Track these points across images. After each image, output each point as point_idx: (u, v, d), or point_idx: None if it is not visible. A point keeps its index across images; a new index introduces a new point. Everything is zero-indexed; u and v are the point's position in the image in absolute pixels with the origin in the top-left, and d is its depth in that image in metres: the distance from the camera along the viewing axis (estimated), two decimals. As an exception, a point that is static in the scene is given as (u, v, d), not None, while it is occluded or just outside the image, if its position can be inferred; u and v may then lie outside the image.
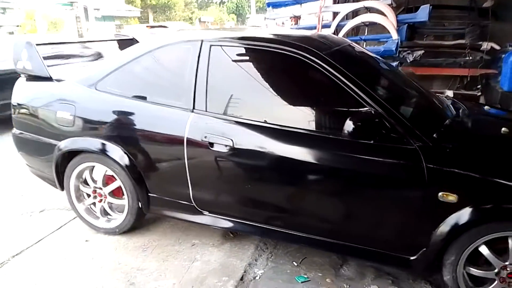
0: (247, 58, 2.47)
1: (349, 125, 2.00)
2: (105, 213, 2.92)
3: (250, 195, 2.42)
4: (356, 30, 5.66)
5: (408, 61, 5.38)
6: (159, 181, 2.63)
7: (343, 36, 5.31)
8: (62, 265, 2.59)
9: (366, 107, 2.09)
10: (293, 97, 2.37)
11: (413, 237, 2.10)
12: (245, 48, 2.46)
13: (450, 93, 5.12)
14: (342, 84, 2.15)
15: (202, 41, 2.48)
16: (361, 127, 1.99)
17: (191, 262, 2.59)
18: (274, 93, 2.39)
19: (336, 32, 5.42)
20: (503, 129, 2.39)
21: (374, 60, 2.88)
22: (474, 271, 2.06)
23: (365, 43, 5.56)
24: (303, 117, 2.29)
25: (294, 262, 2.60)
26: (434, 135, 2.11)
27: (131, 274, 2.49)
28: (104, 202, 2.88)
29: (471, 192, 1.96)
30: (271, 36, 2.49)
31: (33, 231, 3.00)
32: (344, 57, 2.52)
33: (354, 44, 2.92)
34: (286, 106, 2.37)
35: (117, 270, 2.53)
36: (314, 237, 2.32)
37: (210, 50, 2.44)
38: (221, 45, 2.45)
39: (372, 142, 2.05)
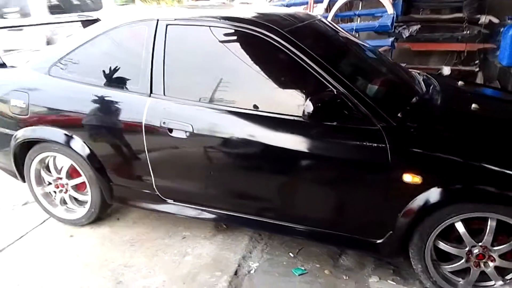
0: (205, 37, 2.29)
1: (309, 107, 1.87)
2: (77, 202, 2.79)
3: (213, 183, 2.32)
4: (350, 5, 5.45)
5: (404, 36, 5.18)
6: (121, 170, 2.50)
7: (336, 11, 5.10)
8: (46, 263, 2.44)
9: (328, 86, 1.98)
10: (253, 78, 2.21)
11: (379, 220, 2.04)
12: (202, 27, 2.29)
13: (447, 69, 4.97)
14: (302, 63, 2.03)
15: (157, 20, 2.32)
16: (322, 108, 1.88)
17: (182, 257, 2.45)
18: (233, 74, 2.26)
19: (329, 7, 5.19)
20: (473, 105, 2.26)
21: (343, 37, 2.74)
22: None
23: (359, 18, 5.35)
24: (263, 99, 2.16)
25: (290, 253, 2.47)
26: (399, 115, 2.01)
27: (118, 271, 2.35)
28: (69, 191, 2.75)
29: (437, 173, 1.87)
30: (230, 14, 2.32)
31: (15, 226, 2.84)
32: (307, 34, 2.39)
33: (324, 20, 2.79)
34: (246, 87, 2.24)
35: (103, 267, 2.39)
36: (278, 222, 2.25)
37: (166, 30, 2.28)
38: (177, 24, 2.30)
39: (335, 123, 1.95)
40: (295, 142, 2.05)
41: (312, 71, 2.01)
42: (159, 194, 2.45)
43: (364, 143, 1.93)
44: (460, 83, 2.92)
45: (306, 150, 2.04)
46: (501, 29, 4.68)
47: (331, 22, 2.99)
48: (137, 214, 2.90)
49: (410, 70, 2.97)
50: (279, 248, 2.52)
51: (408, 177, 1.86)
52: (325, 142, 2.02)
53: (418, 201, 1.88)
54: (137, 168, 2.42)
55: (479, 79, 4.93)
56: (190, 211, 2.44)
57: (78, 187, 2.73)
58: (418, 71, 2.94)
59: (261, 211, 2.30)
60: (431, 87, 2.53)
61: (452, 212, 1.87)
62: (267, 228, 2.36)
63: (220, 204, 2.37)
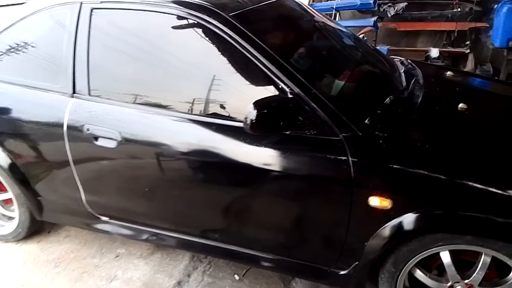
0: (136, 24, 1.90)
1: (252, 114, 1.47)
2: (4, 216, 2.46)
3: (149, 199, 1.96)
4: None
5: (389, 15, 4.77)
6: (47, 183, 2.15)
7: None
8: (-47, 289, 2.12)
9: (280, 86, 1.60)
10: (192, 75, 1.83)
11: (341, 249, 1.68)
12: (134, 11, 1.87)
13: (435, 51, 4.56)
14: (250, 56, 1.64)
15: (81, 3, 1.92)
16: (269, 115, 1.49)
17: (109, 282, 2.12)
18: (167, 70, 1.87)
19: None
20: (460, 105, 1.85)
21: (311, 21, 2.30)
22: None
23: (340, -4, 4.91)
24: (204, 101, 1.77)
25: (236, 275, 2.14)
26: (366, 121, 1.62)
27: (32, 301, 2.03)
28: None
29: (410, 196, 1.51)
30: None
31: None
32: (261, 19, 1.98)
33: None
34: (183, 86, 1.84)
35: (16, 295, 2.06)
36: (224, 246, 1.92)
37: (91, 15, 1.89)
38: (104, 8, 1.90)
39: (288, 133, 1.58)
40: (240, 153, 1.67)
41: (261, 66, 1.63)
42: (91, 211, 2.11)
43: (323, 157, 1.56)
44: (448, 73, 2.48)
45: (254, 163, 1.65)
46: (495, 6, 4.26)
47: (301, 2, 2.53)
48: (71, 227, 2.55)
49: (392, 57, 2.55)
50: (224, 269, 2.18)
51: (375, 201, 1.50)
52: (276, 154, 1.62)
53: (389, 229, 1.53)
54: (64, 181, 2.07)
55: (470, 62, 4.51)
56: (126, 230, 2.10)
57: (6, 202, 2.40)
58: (402, 59, 2.51)
59: (204, 233, 1.95)
60: (413, 81, 2.09)
61: (440, 240, 1.51)
62: (212, 252, 2.01)
63: (159, 224, 2.03)
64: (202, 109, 1.75)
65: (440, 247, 1.52)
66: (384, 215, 1.52)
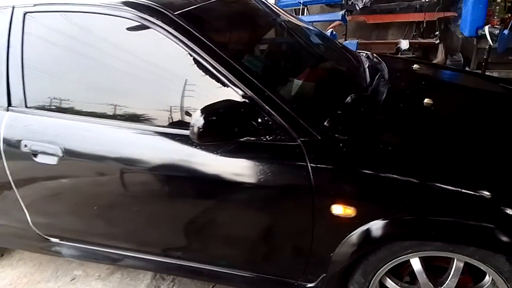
0: (76, 28, 1.73)
1: (199, 121, 1.34)
2: None
3: (100, 218, 1.81)
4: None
5: (358, 8, 4.69)
6: None
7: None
8: None
9: (231, 89, 1.47)
10: (137, 81, 1.67)
11: (307, 261, 1.57)
12: (72, 14, 1.71)
13: (405, 43, 4.50)
14: (198, 58, 1.50)
15: (13, 7, 1.75)
16: (218, 122, 1.36)
17: (63, 308, 1.96)
18: (110, 76, 1.71)
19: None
20: (425, 100, 1.74)
21: (270, 17, 2.17)
22: None
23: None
24: (150, 108, 1.63)
25: (202, 292, 2.01)
26: (326, 123, 1.50)
27: (-23, 336, 1.85)
28: None
29: (376, 202, 1.40)
30: None
31: None
32: (212, 18, 1.83)
33: None
34: (128, 93, 1.69)
35: (-41, 331, 1.89)
36: (185, 263, 1.77)
37: (24, 20, 1.73)
38: (39, 11, 1.73)
39: (244, 139, 1.45)
40: (194, 164, 1.53)
41: (211, 68, 1.48)
42: (39, 233, 1.94)
43: (281, 164, 1.44)
44: (415, 66, 2.36)
45: (210, 174, 1.51)
46: (462, -5, 4.22)
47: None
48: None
49: (359, 51, 2.43)
50: (189, 286, 2.04)
51: (338, 209, 1.39)
52: (232, 163, 1.49)
53: (355, 237, 1.42)
54: (8, 203, 1.89)
55: (440, 52, 4.47)
56: (79, 251, 1.94)
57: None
58: (368, 53, 2.39)
59: (164, 251, 1.81)
60: (377, 77, 1.97)
61: (409, 247, 1.40)
62: (173, 270, 1.88)
63: (113, 243, 1.87)
64: (149, 116, 1.60)
65: (409, 255, 1.42)
66: (349, 223, 1.41)
